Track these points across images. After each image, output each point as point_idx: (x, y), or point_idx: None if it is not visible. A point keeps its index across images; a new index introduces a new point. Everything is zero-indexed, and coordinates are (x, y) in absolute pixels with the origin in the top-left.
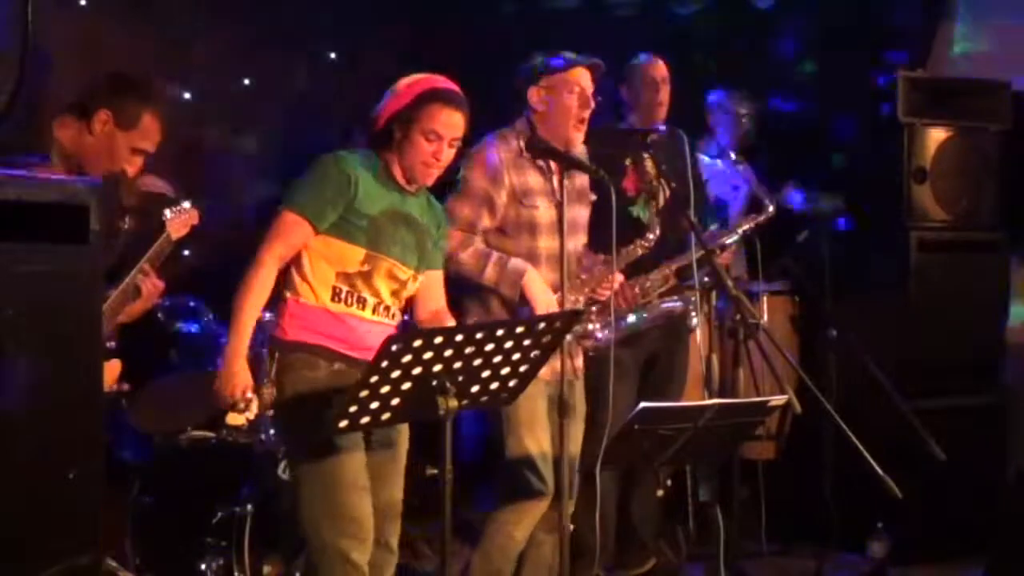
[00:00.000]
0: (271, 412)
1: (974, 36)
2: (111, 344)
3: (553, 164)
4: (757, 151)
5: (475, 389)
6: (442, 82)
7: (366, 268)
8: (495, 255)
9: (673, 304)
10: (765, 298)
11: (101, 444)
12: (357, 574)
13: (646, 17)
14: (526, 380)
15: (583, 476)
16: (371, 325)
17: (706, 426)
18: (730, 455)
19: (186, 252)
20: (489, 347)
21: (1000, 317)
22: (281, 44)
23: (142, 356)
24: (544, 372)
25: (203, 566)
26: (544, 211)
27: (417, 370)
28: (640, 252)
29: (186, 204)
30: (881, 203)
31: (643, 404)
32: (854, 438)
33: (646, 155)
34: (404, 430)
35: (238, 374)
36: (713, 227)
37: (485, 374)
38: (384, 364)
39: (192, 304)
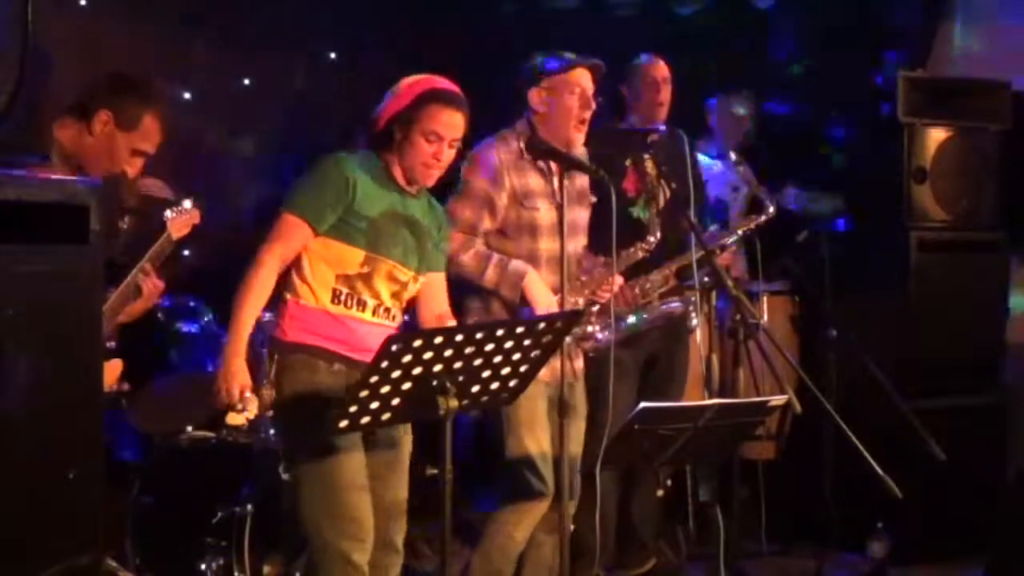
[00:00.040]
0: (271, 412)
1: (975, 36)
2: (111, 344)
3: (554, 165)
4: (757, 151)
5: (475, 389)
6: (442, 83)
7: (366, 270)
8: (496, 257)
9: (673, 305)
10: (765, 298)
11: (101, 444)
12: (357, 575)
13: (646, 17)
14: (526, 380)
15: (583, 476)
16: (371, 327)
17: (706, 426)
18: (730, 455)
19: (186, 252)
20: (489, 347)
21: (1000, 317)
22: (281, 44)
23: (142, 356)
24: (544, 374)
25: (203, 566)
26: (545, 213)
27: (417, 370)
28: (640, 255)
29: (187, 203)
30: (881, 203)
31: (643, 404)
32: (854, 438)
33: (646, 155)
34: (407, 429)
35: (236, 374)
36: (713, 228)
37: (485, 374)
38: (384, 364)
39: (192, 304)
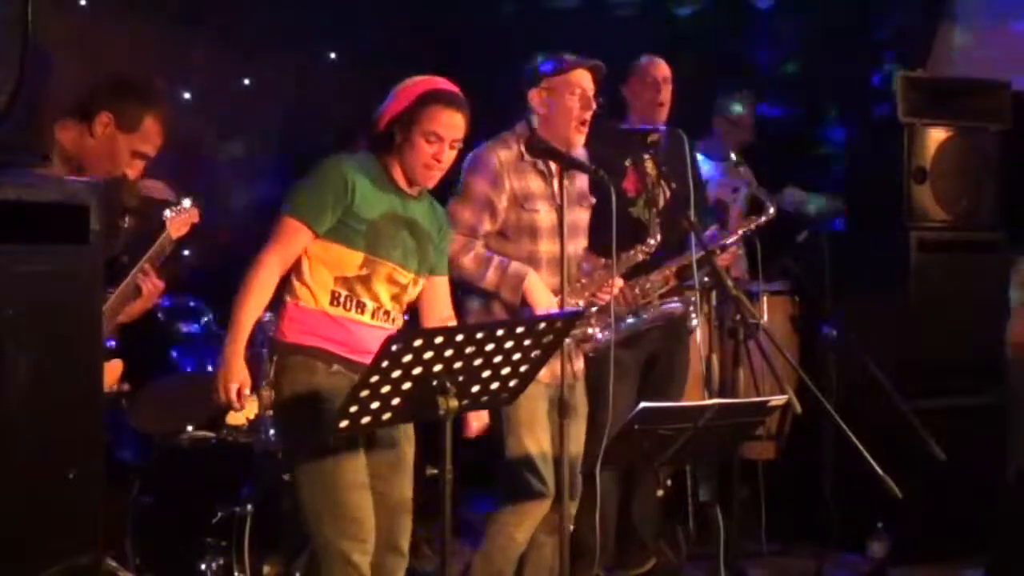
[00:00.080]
0: (270, 412)
1: (975, 36)
2: (111, 344)
3: (554, 167)
4: (756, 152)
5: (475, 389)
6: (442, 83)
7: (365, 272)
8: (496, 259)
9: (673, 305)
10: (765, 298)
11: (101, 444)
12: (357, 575)
13: (646, 17)
14: (527, 380)
15: (584, 476)
16: (370, 330)
17: (706, 426)
18: (730, 455)
19: (186, 252)
20: (489, 347)
21: (1000, 317)
22: (281, 44)
23: (142, 356)
24: (544, 375)
25: (203, 566)
26: (545, 215)
27: (418, 370)
28: (641, 257)
29: (186, 203)
30: (881, 203)
31: (643, 404)
32: (854, 438)
33: (646, 156)
34: (409, 429)
35: (236, 373)
36: (713, 228)
37: (485, 374)
38: (384, 364)
39: (192, 304)
